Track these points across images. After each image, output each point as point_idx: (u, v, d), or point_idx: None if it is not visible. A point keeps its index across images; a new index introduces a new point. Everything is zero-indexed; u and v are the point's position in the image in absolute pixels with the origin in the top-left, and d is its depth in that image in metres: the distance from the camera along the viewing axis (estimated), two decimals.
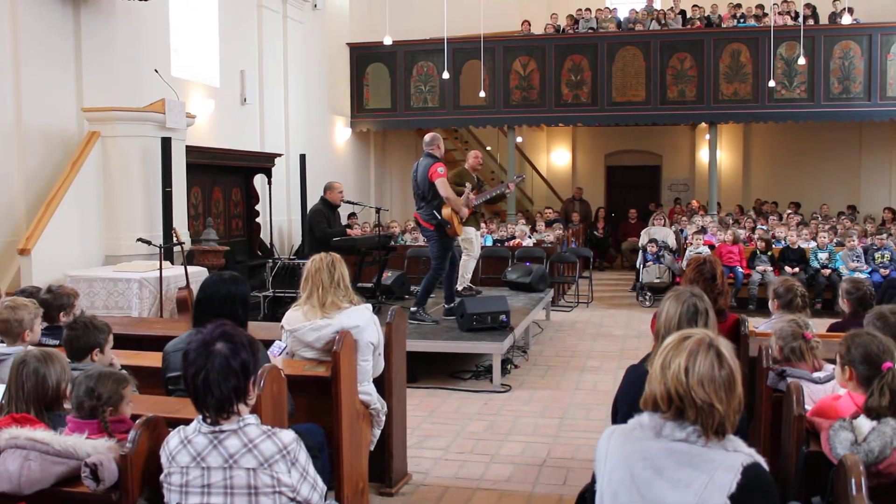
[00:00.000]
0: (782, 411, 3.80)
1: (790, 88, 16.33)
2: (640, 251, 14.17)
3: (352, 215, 15.44)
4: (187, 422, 3.05)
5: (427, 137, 9.10)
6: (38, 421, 3.30)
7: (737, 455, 2.39)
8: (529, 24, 18.32)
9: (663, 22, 17.56)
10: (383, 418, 5.09)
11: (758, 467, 2.38)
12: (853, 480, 2.67)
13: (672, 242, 14.11)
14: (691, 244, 13.18)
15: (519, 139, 19.68)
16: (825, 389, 3.91)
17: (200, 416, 2.96)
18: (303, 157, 13.46)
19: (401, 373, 5.58)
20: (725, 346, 2.49)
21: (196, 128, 10.96)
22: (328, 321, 4.69)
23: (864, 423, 3.28)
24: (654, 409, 2.51)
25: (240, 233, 12.61)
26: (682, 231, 14.94)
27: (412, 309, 9.10)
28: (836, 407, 3.51)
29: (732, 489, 2.32)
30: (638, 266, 14.27)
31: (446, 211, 8.79)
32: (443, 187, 8.69)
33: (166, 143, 9.12)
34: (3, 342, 4.50)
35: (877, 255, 12.66)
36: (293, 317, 4.82)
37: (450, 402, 7.73)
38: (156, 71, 10.04)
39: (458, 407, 7.54)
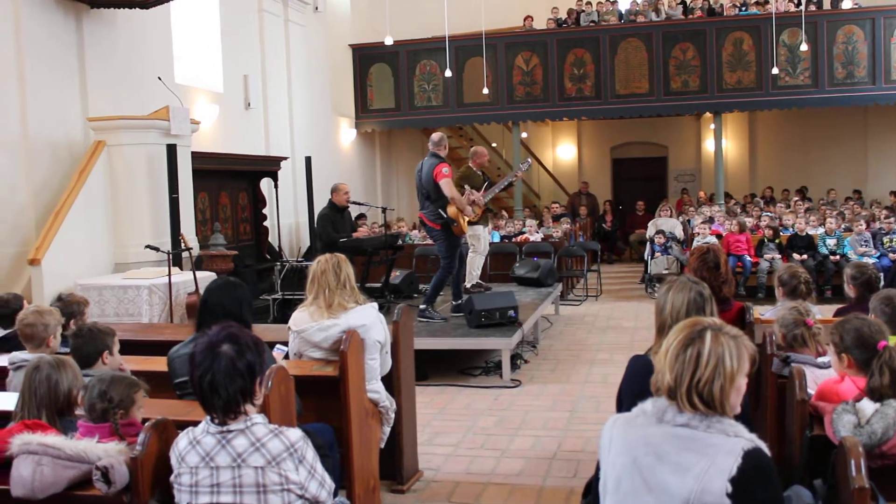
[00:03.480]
0: (786, 396, 3.82)
1: (794, 75, 16.29)
2: (648, 243, 14.19)
3: (361, 216, 15.48)
4: (196, 424, 3.09)
5: (435, 137, 9.17)
6: (50, 427, 3.35)
7: (738, 440, 2.42)
8: (532, 20, 18.32)
9: (664, 12, 17.52)
10: (392, 416, 5.12)
11: (759, 452, 2.41)
12: (853, 462, 2.70)
13: (679, 233, 14.12)
14: (699, 234, 13.17)
15: (524, 135, 19.70)
16: (829, 374, 3.93)
17: (208, 417, 3.01)
18: (308, 160, 13.51)
19: (409, 370, 5.62)
20: (723, 334, 2.52)
21: (201, 133, 11.00)
22: (335, 321, 4.72)
23: (867, 406, 3.30)
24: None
25: (248, 237, 12.66)
26: (689, 221, 14.94)
27: (421, 307, 9.14)
28: (839, 390, 3.54)
29: (733, 473, 2.36)
30: (646, 258, 14.29)
31: (451, 209, 8.82)
32: (447, 187, 8.73)
33: (172, 150, 9.17)
34: (24, 349, 4.55)
35: (885, 239, 12.64)
36: (300, 318, 4.86)
37: (460, 398, 7.77)
38: (159, 78, 10.09)
39: (468, 403, 7.58)
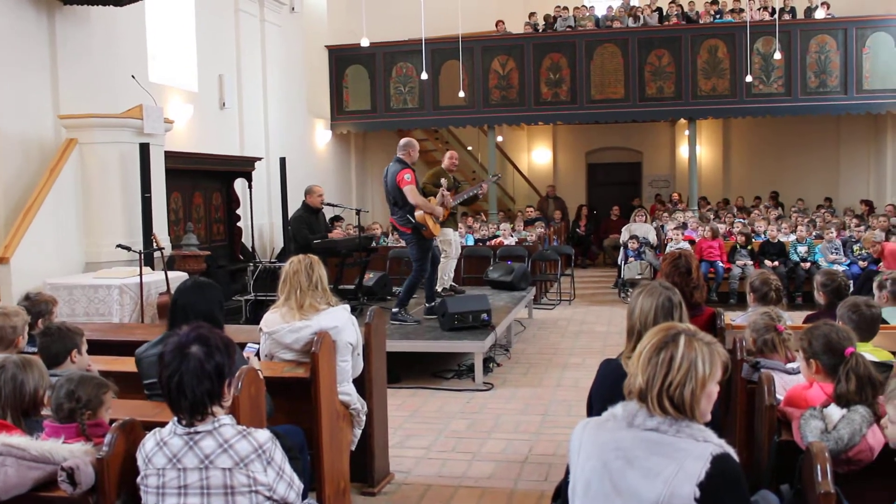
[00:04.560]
0: (755, 402, 3.85)
1: (767, 83, 16.43)
2: (622, 248, 14.26)
3: (337, 218, 15.44)
4: (164, 425, 3.07)
5: (402, 141, 9.15)
6: (15, 427, 3.31)
7: (706, 445, 2.43)
8: (504, 24, 18.34)
9: (640, 19, 17.62)
10: (363, 418, 5.12)
11: (727, 457, 2.42)
12: (819, 467, 2.72)
13: (653, 238, 14.22)
14: (672, 240, 13.25)
15: (499, 138, 19.73)
16: (798, 380, 3.97)
17: (176, 419, 2.99)
18: (283, 161, 13.45)
19: (381, 372, 5.61)
20: (696, 340, 2.54)
21: (175, 133, 10.93)
22: (306, 323, 4.71)
23: (835, 412, 3.34)
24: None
25: (221, 237, 12.60)
26: (662, 227, 15.02)
27: (393, 310, 9.14)
28: (807, 396, 3.57)
29: (701, 478, 2.37)
30: (619, 262, 14.35)
31: (419, 214, 8.82)
32: (411, 195, 8.72)
33: (145, 149, 9.10)
34: None
35: (855, 247, 12.78)
36: (271, 319, 4.84)
37: (432, 401, 7.77)
38: (133, 77, 10.02)
39: (440, 406, 7.59)
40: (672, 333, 2.55)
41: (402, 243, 13.93)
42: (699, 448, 2.42)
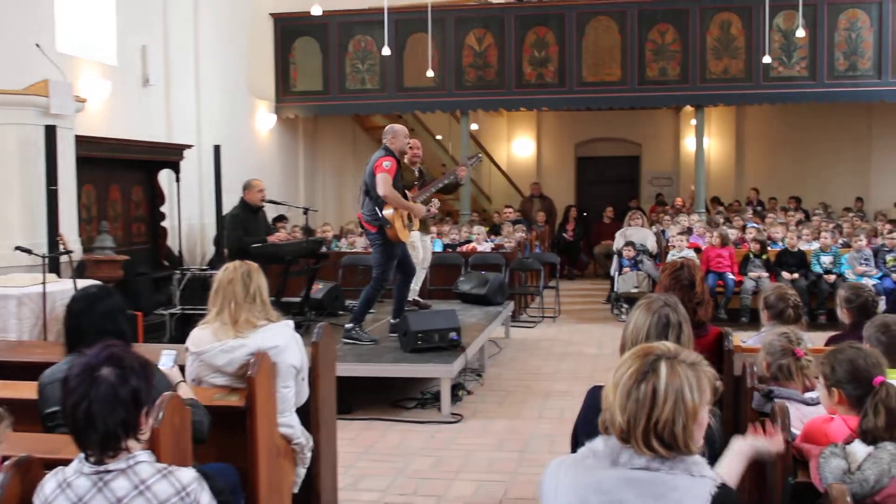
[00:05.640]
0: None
1: (788, 65, 16.56)
2: (615, 256, 14.33)
3: (280, 218, 15.39)
4: (68, 463, 3.04)
5: (386, 127, 9.26)
6: None
7: (703, 481, 2.47)
8: None
9: None
10: (309, 455, 5.11)
11: (727, 493, 2.47)
12: None
13: (652, 245, 14.29)
14: (674, 247, 13.34)
15: (474, 126, 19.75)
16: (817, 411, 4.00)
17: (82, 455, 2.96)
18: (217, 149, 13.37)
19: (330, 401, 5.60)
20: (678, 363, 2.56)
21: (88, 114, 10.86)
22: (242, 341, 4.70)
23: (859, 449, 3.36)
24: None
25: (142, 239, 12.53)
26: (664, 232, 15.11)
27: (347, 326, 9.14)
28: (827, 431, 3.60)
29: None
30: (612, 273, 14.42)
31: (388, 210, 8.82)
32: (382, 183, 8.73)
33: (51, 133, 9.02)
34: None
35: (888, 257, 12.90)
36: (200, 336, 4.82)
37: (390, 435, 7.76)
38: (37, 46, 9.94)
39: (399, 441, 7.58)
40: (650, 360, 2.56)
41: (359, 248, 14.04)
42: (696, 485, 2.46)
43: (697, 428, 2.51)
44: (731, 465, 3.26)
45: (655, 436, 2.48)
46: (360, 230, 15.05)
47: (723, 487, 2.47)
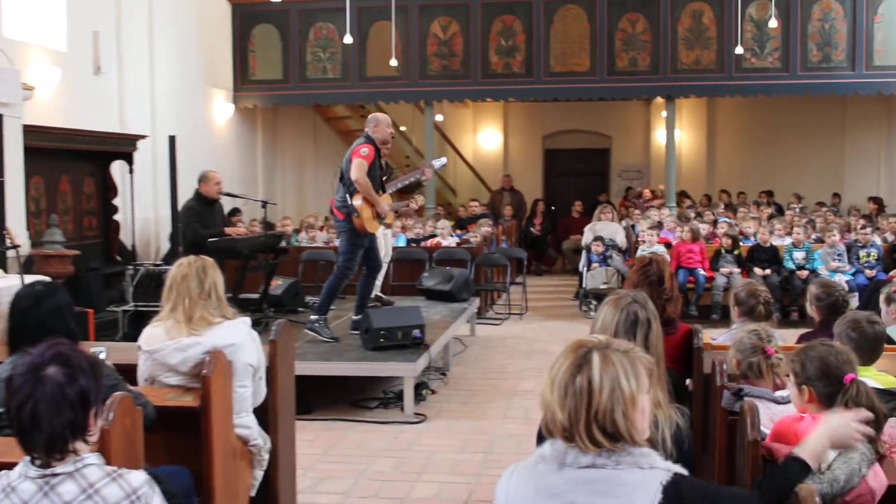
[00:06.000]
0: (737, 436, 3.91)
1: (761, 56, 16.67)
2: (584, 251, 14.38)
3: (236, 211, 15.33)
4: (12, 466, 3.01)
5: (370, 115, 9.34)
6: None
7: (654, 472, 2.48)
8: None
9: None
10: (266, 456, 5.09)
11: (678, 484, 2.48)
12: None
13: (621, 240, 14.35)
14: (644, 242, 13.40)
15: (439, 117, 19.77)
16: (787, 410, 4.04)
17: (28, 458, 2.93)
18: (172, 140, 13.28)
19: (288, 401, 5.58)
20: (612, 352, 2.58)
21: (37, 102, 10.76)
22: (196, 339, 4.68)
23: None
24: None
25: (93, 233, 12.43)
26: (633, 227, 15.19)
27: (312, 317, 9.19)
28: (798, 430, 3.63)
29: None
30: (581, 269, 14.47)
31: (358, 199, 8.83)
32: (356, 169, 8.76)
33: None
34: None
35: (861, 253, 13.03)
36: (153, 334, 4.80)
37: (351, 436, 7.75)
38: None
39: (361, 442, 7.58)
40: (583, 353, 2.58)
41: (319, 242, 14.01)
42: (647, 478, 2.47)
43: (639, 416, 2.53)
44: (815, 443, 3.24)
45: (598, 427, 2.49)
46: (321, 225, 15.15)
47: (676, 476, 2.48)
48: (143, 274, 10.75)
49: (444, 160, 11.26)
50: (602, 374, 2.51)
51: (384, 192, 9.39)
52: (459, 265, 13.08)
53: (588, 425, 2.49)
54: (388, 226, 11.06)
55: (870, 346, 4.47)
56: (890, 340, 5.25)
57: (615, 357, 2.54)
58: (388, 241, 10.76)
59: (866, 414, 3.22)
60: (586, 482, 2.49)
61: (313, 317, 9.15)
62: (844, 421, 3.23)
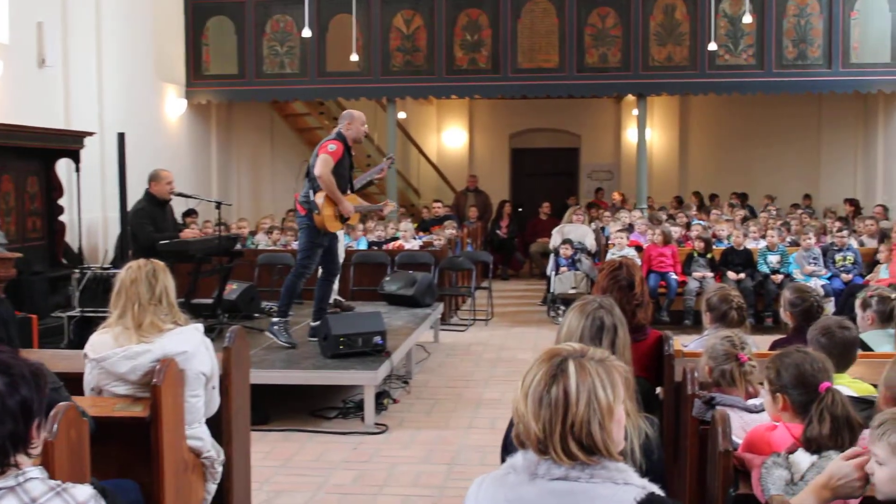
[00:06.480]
0: (709, 446, 3.94)
1: (735, 53, 16.80)
2: (552, 255, 14.42)
3: (191, 212, 15.25)
4: None
5: (344, 111, 9.43)
6: None
7: (628, 489, 2.50)
8: None
9: None
10: (220, 469, 5.08)
11: (653, 500, 2.49)
12: None
13: (591, 244, 14.40)
14: (614, 245, 13.46)
15: (402, 115, 19.79)
16: (760, 419, 4.07)
17: None
18: (121, 137, 13.17)
19: (243, 411, 5.57)
20: (588, 361, 2.59)
21: None
22: (146, 346, 4.66)
23: (803, 459, 3.42)
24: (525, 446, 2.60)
25: (37, 235, 12.33)
26: (603, 229, 15.25)
27: (273, 320, 9.21)
28: (770, 440, 3.67)
29: None
30: (549, 273, 14.51)
31: (319, 198, 8.83)
32: (321, 164, 8.79)
33: None
34: None
35: (837, 256, 13.14)
36: (101, 341, 4.77)
37: (310, 447, 7.75)
38: None
39: (320, 454, 7.57)
40: (557, 362, 2.58)
41: (277, 246, 13.98)
42: (620, 493, 2.48)
43: (616, 426, 2.54)
44: (816, 496, 3.15)
45: (573, 439, 2.50)
46: (278, 226, 15.11)
47: (651, 496, 2.49)
48: (90, 278, 10.67)
49: (392, 158, 11.25)
50: (579, 385, 2.52)
51: (352, 191, 9.40)
52: (423, 269, 13.07)
53: (563, 437, 2.50)
54: (353, 227, 11.04)
55: (840, 352, 4.51)
56: (864, 346, 5.31)
57: (591, 366, 2.55)
58: (341, 242, 10.73)
59: (863, 459, 3.16)
60: (558, 495, 2.50)
61: (274, 319, 9.17)
62: (846, 470, 3.13)
